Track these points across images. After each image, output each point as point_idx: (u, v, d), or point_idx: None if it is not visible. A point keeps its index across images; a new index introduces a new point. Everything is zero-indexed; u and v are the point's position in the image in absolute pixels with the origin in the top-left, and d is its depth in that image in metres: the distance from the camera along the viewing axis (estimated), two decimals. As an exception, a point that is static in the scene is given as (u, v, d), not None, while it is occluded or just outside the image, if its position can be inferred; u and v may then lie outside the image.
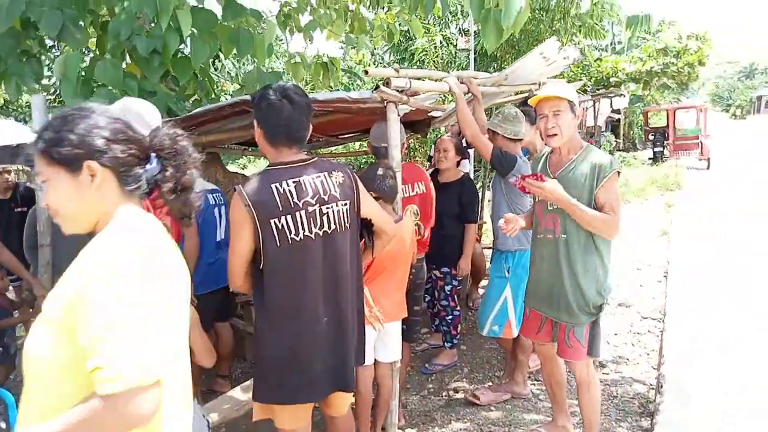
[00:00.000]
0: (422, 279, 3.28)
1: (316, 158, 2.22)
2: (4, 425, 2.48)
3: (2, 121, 2.32)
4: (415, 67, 12.59)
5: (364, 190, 2.29)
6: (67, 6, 3.49)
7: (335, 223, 2.14)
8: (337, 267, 2.16)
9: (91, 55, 4.72)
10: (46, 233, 3.59)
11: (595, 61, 16.76)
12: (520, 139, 3.62)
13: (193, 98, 4.55)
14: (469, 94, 3.60)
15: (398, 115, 2.89)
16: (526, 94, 4.83)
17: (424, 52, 12.31)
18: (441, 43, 12.03)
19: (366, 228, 2.36)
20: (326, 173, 2.16)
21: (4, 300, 3.61)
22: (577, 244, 2.66)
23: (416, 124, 4.47)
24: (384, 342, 2.93)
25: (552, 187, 2.58)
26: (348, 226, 2.18)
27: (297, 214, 2.05)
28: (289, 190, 2.06)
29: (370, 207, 2.33)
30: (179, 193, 1.31)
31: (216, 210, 3.68)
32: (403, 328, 3.14)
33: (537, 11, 11.32)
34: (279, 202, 2.03)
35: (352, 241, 2.22)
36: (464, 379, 4.08)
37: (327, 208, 2.11)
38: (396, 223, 2.78)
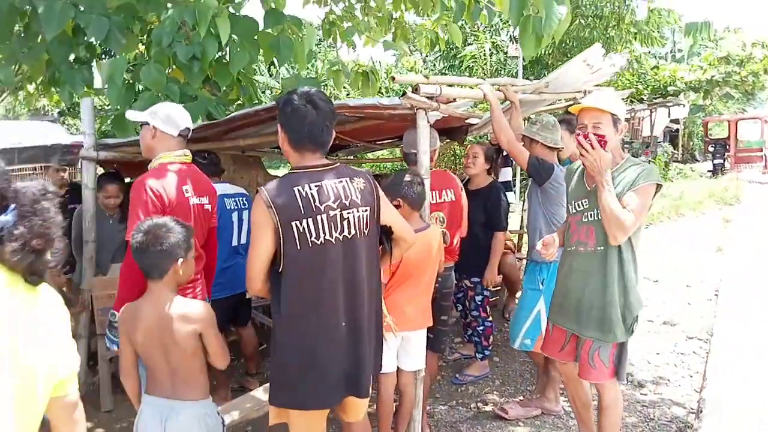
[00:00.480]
0: (449, 288, 3.24)
1: (338, 164, 2.22)
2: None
3: (37, 121, 2.43)
4: (465, 74, 12.54)
5: (384, 197, 2.28)
6: (114, 13, 3.64)
7: (355, 229, 2.13)
8: (356, 272, 2.15)
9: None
10: (91, 230, 3.76)
11: (651, 69, 16.24)
12: (558, 148, 3.53)
13: (236, 103, 4.67)
14: (507, 102, 3.55)
15: (428, 122, 2.86)
16: (571, 102, 4.75)
17: (473, 59, 12.25)
18: (490, 50, 11.94)
19: (385, 235, 2.34)
20: (348, 179, 2.16)
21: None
22: (614, 256, 2.56)
23: (454, 131, 4.45)
24: (407, 350, 2.90)
25: (604, 156, 2.47)
26: (367, 232, 2.17)
27: (318, 217, 2.05)
28: (311, 194, 2.06)
29: (390, 214, 2.31)
30: (26, 254, 1.16)
31: (235, 214, 3.69)
32: (429, 337, 3.10)
33: (590, 18, 11.10)
34: (301, 205, 2.04)
35: (370, 247, 2.21)
36: (495, 392, 3.99)
37: (348, 213, 2.11)
38: (422, 231, 2.76)
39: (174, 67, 3.93)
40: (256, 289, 2.17)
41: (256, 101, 4.86)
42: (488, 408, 3.74)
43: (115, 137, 3.92)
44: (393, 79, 2.80)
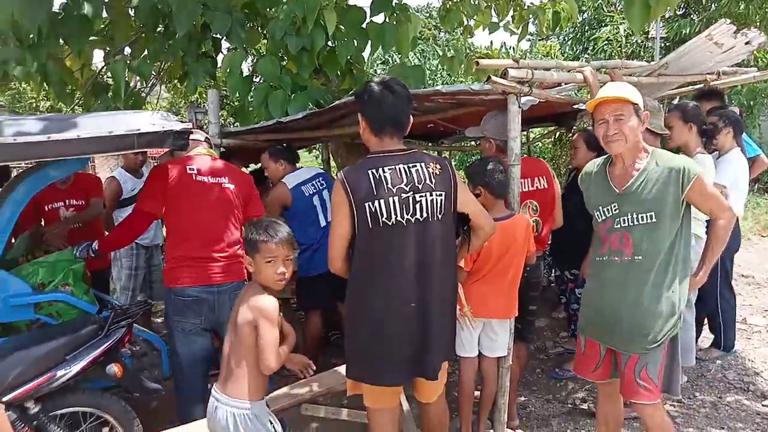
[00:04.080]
0: (538, 278, 3.15)
1: (415, 149, 2.29)
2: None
3: (150, 112, 2.79)
4: (600, 57, 11.81)
5: (462, 184, 2.29)
6: (237, 10, 3.96)
7: (427, 212, 2.17)
8: (428, 255, 2.19)
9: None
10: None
11: (825, 46, 14.09)
12: (663, 134, 3.29)
13: (349, 92, 4.85)
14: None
15: (519, 107, 2.81)
16: (700, 86, 4.36)
17: (607, 42, 11.50)
18: (626, 31, 11.11)
19: (463, 223, 2.35)
20: (423, 163, 2.21)
21: None
22: (656, 264, 2.29)
23: (562, 117, 4.29)
24: (489, 337, 2.90)
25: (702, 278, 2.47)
26: (441, 216, 2.20)
27: (390, 199, 2.13)
28: (385, 177, 2.15)
29: (467, 202, 2.32)
30: None
31: (316, 198, 3.91)
32: (518, 327, 3.07)
33: (746, -10, 9.94)
34: (374, 187, 2.13)
35: (445, 232, 2.24)
36: (596, 390, 3.82)
37: (420, 196, 2.16)
38: (505, 220, 2.73)
39: (287, 60, 4.18)
40: (336, 268, 2.29)
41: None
42: (585, 406, 3.61)
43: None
44: (477, 63, 2.77)
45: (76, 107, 4.86)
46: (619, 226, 2.38)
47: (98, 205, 4.15)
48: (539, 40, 17.65)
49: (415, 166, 2.19)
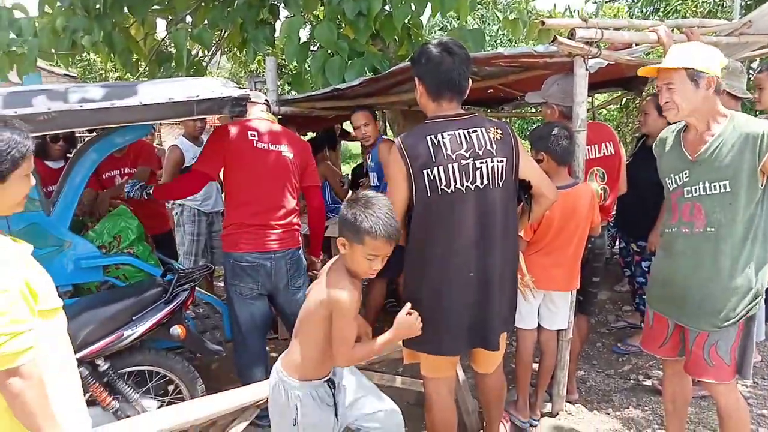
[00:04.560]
0: (601, 249, 3.01)
1: (475, 114, 2.20)
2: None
3: (210, 78, 2.83)
4: (674, 17, 11.12)
5: (523, 150, 2.20)
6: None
7: (488, 179, 2.09)
8: (488, 223, 2.12)
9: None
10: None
11: None
12: (745, 98, 3.05)
13: (408, 58, 4.75)
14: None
15: (586, 70, 2.66)
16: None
17: (681, 1, 10.76)
18: (703, -11, 10.36)
19: (524, 190, 2.26)
20: (483, 128, 2.12)
21: None
22: (731, 237, 2.12)
23: (631, 80, 4.06)
24: (549, 309, 2.83)
25: None
26: (502, 183, 2.12)
27: (449, 165, 2.06)
28: (444, 143, 2.07)
29: (529, 168, 2.22)
30: None
31: None
32: (579, 300, 2.97)
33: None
34: (432, 154, 2.06)
35: (505, 199, 2.15)
36: (661, 367, 3.68)
37: (481, 162, 2.08)
38: (568, 188, 2.62)
39: (344, 26, 4.12)
40: None
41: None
42: (648, 382, 3.49)
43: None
44: (542, 23, 2.63)
45: (142, 77, 4.99)
46: (690, 195, 2.22)
47: (144, 172, 4.18)
48: (606, 2, 16.77)
49: (476, 131, 2.11)
